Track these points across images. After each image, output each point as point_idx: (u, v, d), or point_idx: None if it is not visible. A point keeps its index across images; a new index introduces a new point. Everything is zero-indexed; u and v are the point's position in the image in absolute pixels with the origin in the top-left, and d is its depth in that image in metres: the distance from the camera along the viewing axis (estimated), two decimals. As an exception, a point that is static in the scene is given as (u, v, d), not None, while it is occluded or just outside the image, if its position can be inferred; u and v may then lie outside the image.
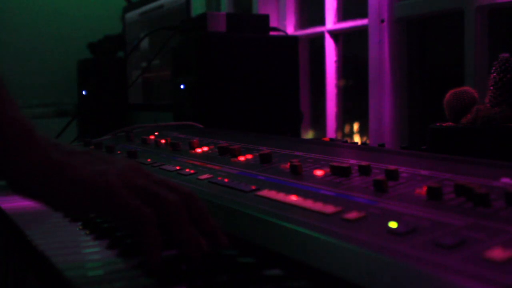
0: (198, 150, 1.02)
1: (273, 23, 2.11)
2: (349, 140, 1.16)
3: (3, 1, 2.90)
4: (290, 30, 2.18)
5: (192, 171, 0.85)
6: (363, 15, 1.79)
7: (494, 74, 1.00)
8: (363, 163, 0.70)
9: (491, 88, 1.01)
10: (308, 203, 0.61)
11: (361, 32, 1.84)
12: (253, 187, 0.71)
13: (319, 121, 2.17)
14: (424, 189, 0.58)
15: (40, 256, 0.61)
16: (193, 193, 0.59)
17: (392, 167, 0.66)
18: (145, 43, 2.25)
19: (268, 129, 1.56)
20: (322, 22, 2.03)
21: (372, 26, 1.72)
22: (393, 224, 0.51)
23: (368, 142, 1.75)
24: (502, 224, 0.48)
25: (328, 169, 0.72)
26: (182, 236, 0.56)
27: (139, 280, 0.52)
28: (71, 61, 2.61)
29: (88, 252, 0.63)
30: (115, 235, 0.66)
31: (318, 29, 2.06)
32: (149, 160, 1.00)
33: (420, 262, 0.43)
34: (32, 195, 0.56)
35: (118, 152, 1.14)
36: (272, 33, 1.77)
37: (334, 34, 2.00)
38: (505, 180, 0.59)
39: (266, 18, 1.75)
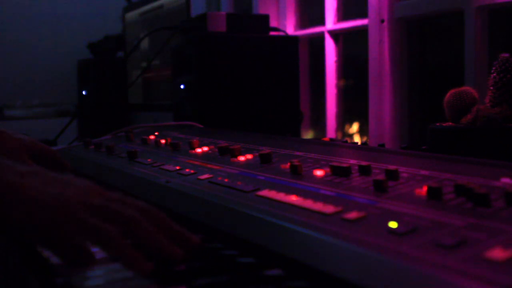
0: (198, 150, 1.02)
1: (273, 23, 2.11)
2: (349, 140, 1.16)
3: (3, 1, 2.90)
4: (290, 30, 2.18)
5: (192, 171, 0.85)
6: (363, 15, 1.79)
7: (494, 74, 1.00)
8: (363, 163, 0.70)
9: (491, 88, 1.01)
10: (308, 203, 0.61)
11: (361, 32, 1.84)
12: (253, 187, 0.71)
13: (319, 121, 2.17)
14: (424, 189, 0.58)
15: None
16: (150, 206, 0.59)
17: (392, 167, 0.66)
18: (145, 43, 2.25)
19: (268, 129, 1.56)
20: (322, 22, 2.03)
21: (372, 26, 1.72)
22: (393, 224, 0.51)
23: (368, 142, 1.75)
24: (502, 224, 0.48)
25: (328, 169, 0.72)
26: (154, 244, 0.55)
27: (139, 281, 0.52)
28: (71, 61, 2.61)
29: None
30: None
31: (318, 29, 2.06)
32: (149, 160, 1.00)
33: (420, 262, 0.43)
34: None
35: (118, 152, 1.14)
36: (272, 33, 1.77)
37: (334, 34, 2.00)
38: (505, 180, 0.59)
39: (266, 18, 1.75)
